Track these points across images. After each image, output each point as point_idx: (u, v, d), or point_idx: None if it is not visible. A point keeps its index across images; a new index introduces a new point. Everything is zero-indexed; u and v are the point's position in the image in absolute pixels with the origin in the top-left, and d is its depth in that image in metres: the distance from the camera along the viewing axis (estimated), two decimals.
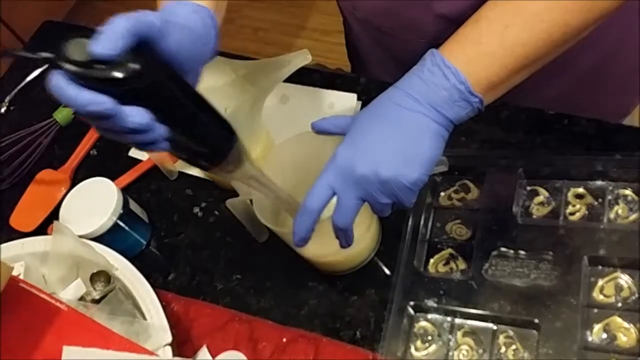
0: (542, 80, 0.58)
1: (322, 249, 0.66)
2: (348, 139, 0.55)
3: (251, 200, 0.65)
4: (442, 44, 0.56)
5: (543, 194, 0.68)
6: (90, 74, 0.43)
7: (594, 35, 0.58)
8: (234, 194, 0.80)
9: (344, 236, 0.57)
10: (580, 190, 0.67)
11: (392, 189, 0.53)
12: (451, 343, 0.63)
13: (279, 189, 0.60)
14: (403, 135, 0.53)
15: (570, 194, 0.68)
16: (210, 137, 0.52)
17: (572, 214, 0.66)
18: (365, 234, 0.68)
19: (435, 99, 0.53)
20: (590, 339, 0.59)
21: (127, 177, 0.85)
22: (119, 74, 0.43)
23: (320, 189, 0.55)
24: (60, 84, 0.44)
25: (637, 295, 0.60)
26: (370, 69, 0.94)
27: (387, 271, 0.70)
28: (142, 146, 0.49)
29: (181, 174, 0.84)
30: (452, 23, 0.62)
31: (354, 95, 0.83)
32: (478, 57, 0.53)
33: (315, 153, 0.66)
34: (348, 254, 0.68)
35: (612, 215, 0.65)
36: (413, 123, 0.53)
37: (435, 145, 0.53)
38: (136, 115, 0.46)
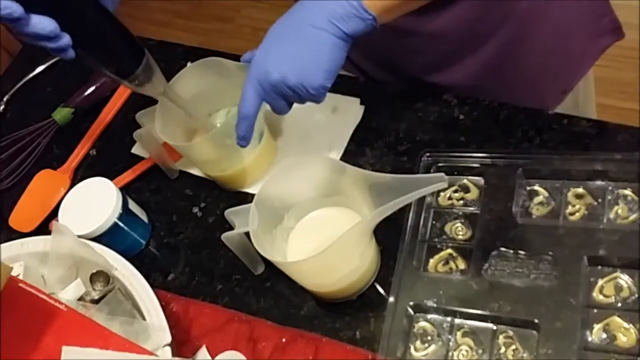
0: (456, 59, 0.65)
1: (323, 279, 0.66)
2: (262, 48, 0.65)
3: (247, 233, 0.65)
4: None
5: (543, 194, 0.68)
6: None
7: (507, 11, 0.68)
8: (234, 193, 0.81)
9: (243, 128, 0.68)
10: (580, 190, 0.67)
11: (298, 93, 0.63)
12: (451, 343, 0.63)
13: (189, 106, 0.71)
14: (306, 48, 0.63)
15: (570, 194, 0.67)
16: (117, 50, 0.62)
17: (571, 214, 0.66)
18: (365, 258, 0.67)
19: (334, 15, 0.62)
20: (589, 339, 0.59)
21: (127, 177, 0.85)
22: None
23: (248, 95, 0.65)
24: None
25: (636, 295, 0.60)
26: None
27: (390, 299, 0.67)
28: (53, 52, 0.58)
29: (181, 173, 0.84)
30: None
31: (357, 100, 0.82)
32: None
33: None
34: (349, 282, 0.67)
35: (612, 215, 0.65)
36: (315, 37, 0.62)
37: (334, 56, 0.63)
38: (41, 22, 0.55)
